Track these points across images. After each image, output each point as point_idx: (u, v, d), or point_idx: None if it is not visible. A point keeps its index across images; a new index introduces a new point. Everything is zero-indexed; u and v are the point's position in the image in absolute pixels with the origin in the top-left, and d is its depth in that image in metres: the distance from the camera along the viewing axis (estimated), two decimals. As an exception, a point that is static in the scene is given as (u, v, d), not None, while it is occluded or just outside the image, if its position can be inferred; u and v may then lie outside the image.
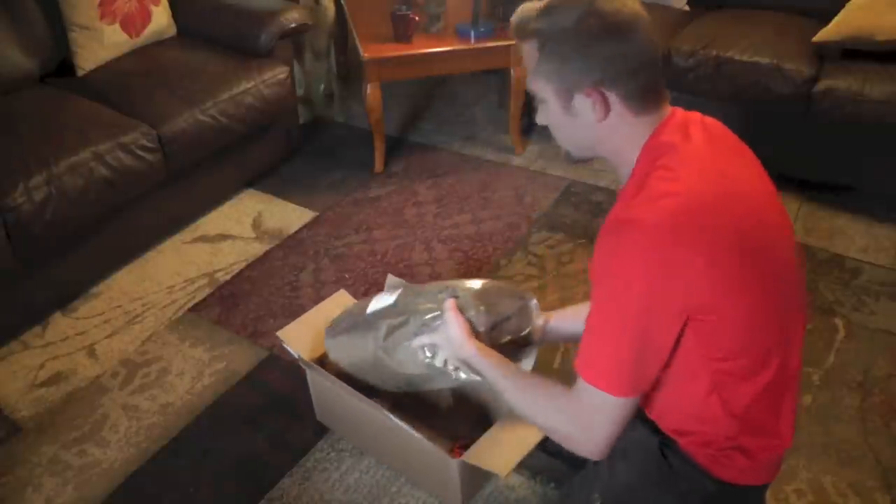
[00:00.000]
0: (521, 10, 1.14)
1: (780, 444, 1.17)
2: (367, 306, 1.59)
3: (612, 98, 1.08)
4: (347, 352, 1.64)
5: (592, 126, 1.11)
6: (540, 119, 1.19)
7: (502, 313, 1.41)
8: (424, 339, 1.42)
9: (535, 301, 1.47)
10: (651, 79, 1.10)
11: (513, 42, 2.82)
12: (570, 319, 1.49)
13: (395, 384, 1.59)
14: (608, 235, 1.05)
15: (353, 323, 1.62)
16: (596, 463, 1.24)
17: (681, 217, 1.00)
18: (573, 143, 1.19)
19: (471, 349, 1.32)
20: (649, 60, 1.09)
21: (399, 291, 1.56)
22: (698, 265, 0.99)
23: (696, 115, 1.16)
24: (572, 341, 1.41)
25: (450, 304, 1.38)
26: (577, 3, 1.08)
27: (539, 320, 1.47)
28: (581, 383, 1.07)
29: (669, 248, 0.99)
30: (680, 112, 1.14)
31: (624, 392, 1.05)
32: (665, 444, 1.19)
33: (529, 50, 1.12)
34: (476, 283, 1.45)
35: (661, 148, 1.08)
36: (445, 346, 1.38)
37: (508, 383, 1.23)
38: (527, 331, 1.44)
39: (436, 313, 1.42)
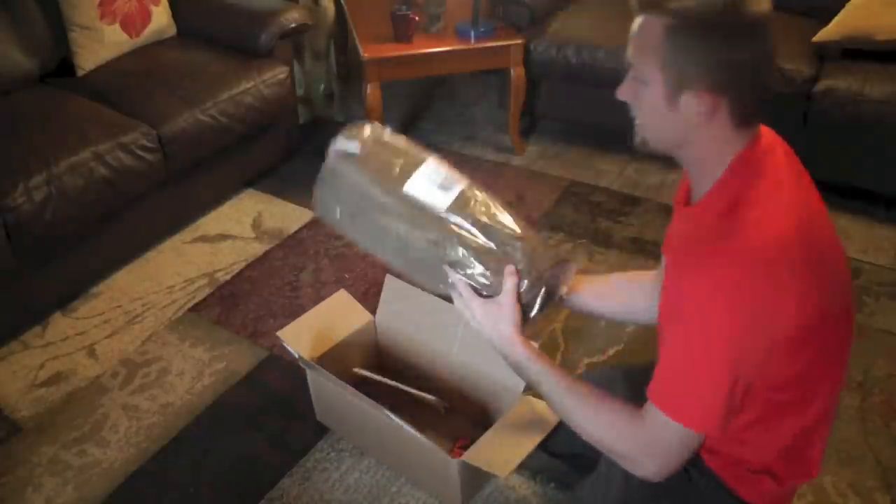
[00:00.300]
0: None
1: (808, 473, 1.16)
2: (400, 178, 1.25)
3: (722, 105, 1.00)
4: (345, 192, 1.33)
5: (688, 126, 1.03)
6: (625, 95, 1.08)
7: (543, 276, 1.22)
8: (462, 290, 1.19)
9: (574, 265, 1.30)
10: (765, 93, 1.02)
11: (513, 42, 2.83)
12: (592, 297, 1.40)
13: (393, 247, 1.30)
14: (702, 268, 0.99)
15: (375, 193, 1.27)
16: (609, 470, 1.22)
17: (780, 253, 0.96)
18: (657, 134, 1.08)
19: (522, 352, 1.17)
20: (770, 72, 1.02)
21: (458, 190, 1.23)
22: (791, 303, 0.97)
23: (775, 135, 1.10)
24: (583, 313, 1.42)
25: (511, 284, 1.16)
26: None
27: (565, 287, 1.29)
28: (658, 415, 1.04)
29: (768, 287, 0.96)
30: (765, 130, 1.08)
31: (712, 430, 1.03)
32: None
33: (652, 25, 1.00)
34: (519, 230, 1.22)
35: (753, 169, 1.03)
36: (485, 325, 1.18)
37: (564, 392, 1.15)
38: (556, 297, 1.27)
39: (482, 270, 1.18)
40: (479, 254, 1.18)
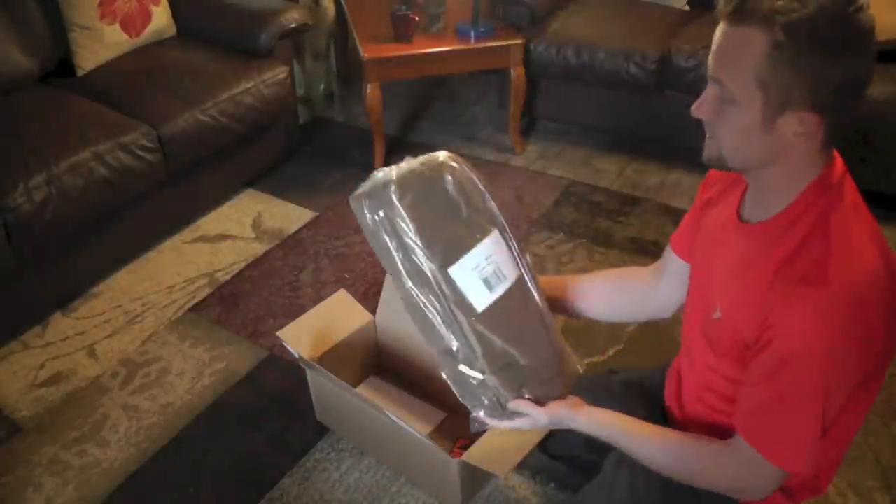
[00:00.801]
0: None
1: (819, 490, 1.16)
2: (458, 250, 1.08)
3: (821, 125, 0.92)
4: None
5: (778, 147, 0.94)
6: (705, 113, 0.98)
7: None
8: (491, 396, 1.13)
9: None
10: (859, 112, 0.94)
11: (513, 42, 2.83)
12: (576, 300, 1.38)
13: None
14: (798, 307, 0.93)
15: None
16: (614, 474, 1.22)
17: (872, 290, 0.93)
18: (741, 154, 0.98)
19: (584, 417, 1.15)
20: (867, 88, 0.93)
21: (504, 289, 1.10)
22: (880, 337, 0.95)
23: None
24: (566, 315, 1.40)
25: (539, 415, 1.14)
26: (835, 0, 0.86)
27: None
28: (749, 451, 1.01)
29: (863, 326, 0.92)
30: (835, 151, 1.02)
31: (801, 469, 1.01)
32: None
33: (752, 39, 0.88)
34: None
35: (834, 194, 0.97)
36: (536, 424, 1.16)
37: (647, 444, 1.11)
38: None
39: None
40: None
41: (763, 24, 0.87)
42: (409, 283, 1.08)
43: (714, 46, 0.94)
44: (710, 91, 0.96)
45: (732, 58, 0.91)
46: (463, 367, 1.11)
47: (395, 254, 1.07)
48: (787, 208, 0.99)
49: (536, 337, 1.16)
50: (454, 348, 1.10)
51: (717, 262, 1.12)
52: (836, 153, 1.00)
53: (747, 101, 0.92)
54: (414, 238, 1.05)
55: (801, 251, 0.95)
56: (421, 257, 1.05)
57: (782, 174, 0.98)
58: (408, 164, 1.10)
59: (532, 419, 1.14)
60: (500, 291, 1.09)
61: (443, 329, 1.09)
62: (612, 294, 1.38)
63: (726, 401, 1.11)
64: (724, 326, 1.07)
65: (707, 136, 1.00)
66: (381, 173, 1.07)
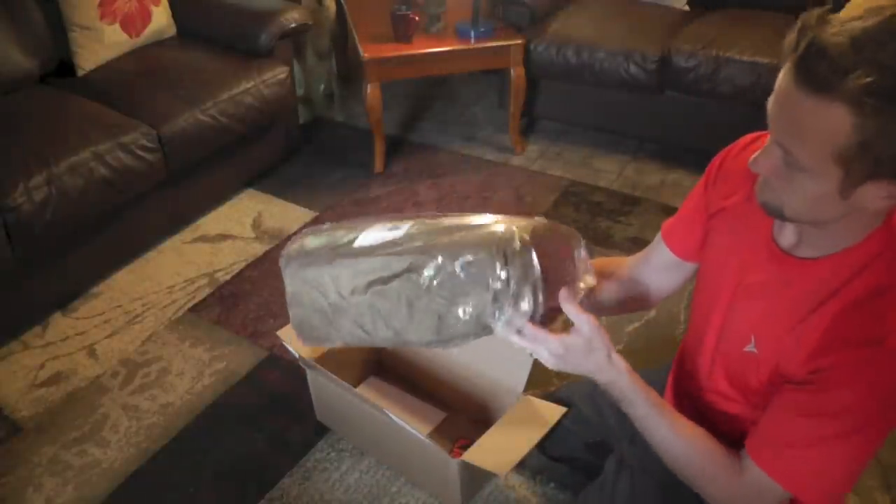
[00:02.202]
0: (834, 43, 0.75)
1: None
2: (352, 236, 1.07)
3: None
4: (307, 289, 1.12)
5: (853, 209, 0.86)
6: (767, 171, 0.88)
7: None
8: (494, 315, 0.94)
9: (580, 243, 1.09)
10: None
11: (513, 42, 2.83)
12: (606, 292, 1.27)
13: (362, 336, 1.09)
14: (857, 366, 0.89)
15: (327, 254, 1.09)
16: (615, 477, 1.21)
17: None
18: (807, 216, 0.90)
19: (620, 368, 1.01)
20: None
21: (409, 225, 1.03)
22: None
23: None
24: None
25: (579, 315, 0.98)
26: None
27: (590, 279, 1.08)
28: (764, 480, 0.98)
29: None
30: None
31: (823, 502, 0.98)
32: None
33: (831, 112, 0.77)
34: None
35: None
36: (566, 353, 0.98)
37: (664, 422, 1.04)
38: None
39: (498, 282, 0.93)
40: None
41: (849, 102, 0.76)
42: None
43: (778, 107, 0.83)
44: (774, 152, 0.86)
45: (806, 130, 0.80)
46: (427, 271, 0.96)
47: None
48: (852, 248, 0.92)
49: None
50: (407, 265, 0.98)
51: (747, 290, 1.05)
52: None
53: (822, 173, 0.82)
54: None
55: (874, 300, 0.89)
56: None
57: (841, 226, 0.91)
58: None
59: (554, 347, 0.97)
60: (409, 223, 1.03)
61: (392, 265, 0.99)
62: (603, 282, 1.28)
63: (728, 408, 1.10)
64: (760, 363, 1.02)
65: (762, 182, 0.92)
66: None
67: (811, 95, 0.78)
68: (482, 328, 0.96)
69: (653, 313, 2.17)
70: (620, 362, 1.01)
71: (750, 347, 1.04)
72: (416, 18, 2.79)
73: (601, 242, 2.52)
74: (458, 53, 2.80)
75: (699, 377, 1.17)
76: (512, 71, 2.87)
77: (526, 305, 0.94)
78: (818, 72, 0.76)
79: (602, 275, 1.28)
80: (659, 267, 1.27)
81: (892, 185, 0.81)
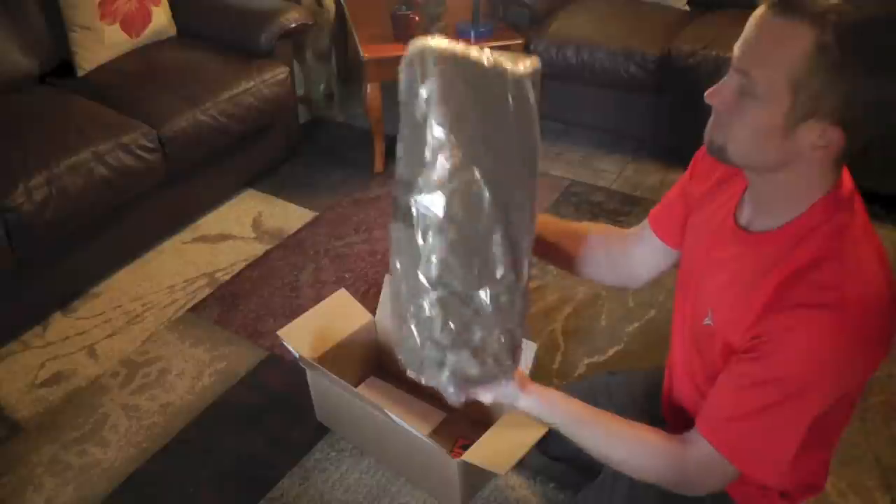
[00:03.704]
0: None
1: (818, 488, 1.15)
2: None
3: (840, 141, 0.87)
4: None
5: (790, 155, 0.89)
6: (721, 103, 0.92)
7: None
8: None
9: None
10: (880, 132, 0.89)
11: (513, 42, 2.83)
12: (558, 242, 1.29)
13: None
14: (800, 326, 0.90)
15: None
16: (614, 478, 1.21)
17: (878, 316, 0.90)
18: (748, 152, 0.93)
19: (531, 397, 1.09)
20: None
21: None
22: (879, 357, 0.93)
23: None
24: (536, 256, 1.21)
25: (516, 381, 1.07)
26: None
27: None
28: (713, 454, 0.99)
29: (863, 349, 0.90)
30: (845, 168, 0.98)
31: (773, 481, 0.99)
32: None
33: (797, 34, 0.82)
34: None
35: (844, 214, 0.93)
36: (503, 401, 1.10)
37: (588, 427, 1.09)
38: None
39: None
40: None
41: (813, 20, 0.81)
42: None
43: (747, 33, 0.88)
44: (732, 80, 0.90)
45: (768, 50, 0.85)
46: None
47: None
48: (794, 221, 0.95)
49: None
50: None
51: (710, 267, 1.08)
52: (845, 169, 0.96)
53: (773, 99, 0.86)
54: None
55: (812, 270, 0.91)
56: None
57: (789, 183, 0.93)
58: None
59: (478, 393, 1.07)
60: None
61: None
62: (597, 247, 1.30)
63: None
64: (714, 334, 1.04)
65: (713, 121, 0.94)
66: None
67: (780, 17, 0.84)
68: None
69: (652, 313, 2.17)
70: (531, 393, 1.08)
71: (707, 320, 1.06)
72: (416, 18, 2.79)
73: (601, 242, 2.51)
74: (458, 53, 2.80)
75: (679, 354, 1.19)
76: (512, 71, 2.87)
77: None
78: None
79: (604, 241, 1.30)
80: (645, 248, 1.29)
81: (829, 129, 0.85)
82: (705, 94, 0.93)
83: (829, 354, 0.89)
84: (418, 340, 0.99)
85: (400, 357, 1.05)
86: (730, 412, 0.98)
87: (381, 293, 1.92)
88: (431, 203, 0.91)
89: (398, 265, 0.99)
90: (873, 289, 0.90)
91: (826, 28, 0.80)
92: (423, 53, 0.89)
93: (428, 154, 0.90)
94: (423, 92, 0.89)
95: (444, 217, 0.91)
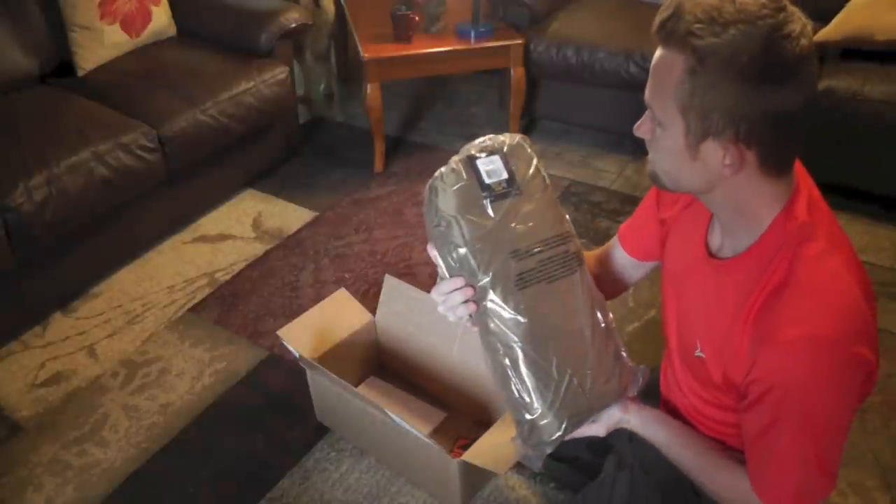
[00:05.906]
0: (682, 7, 0.86)
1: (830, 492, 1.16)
2: None
3: (749, 157, 0.88)
4: None
5: (711, 176, 0.91)
6: (641, 132, 0.96)
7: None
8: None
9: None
10: (801, 139, 0.89)
11: (513, 42, 2.83)
12: None
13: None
14: (795, 354, 0.89)
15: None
16: (614, 477, 1.21)
17: (863, 323, 0.91)
18: (672, 177, 0.96)
19: (634, 416, 1.11)
20: (808, 115, 0.86)
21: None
22: (873, 357, 0.94)
23: (804, 170, 1.00)
24: None
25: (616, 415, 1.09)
26: (759, 26, 0.81)
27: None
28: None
29: (861, 357, 0.91)
30: (799, 167, 0.97)
31: (832, 489, 0.99)
32: None
33: (672, 62, 0.87)
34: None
35: (805, 230, 0.93)
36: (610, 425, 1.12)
37: (675, 453, 1.11)
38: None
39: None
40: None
41: (680, 47, 0.85)
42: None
43: (650, 70, 0.93)
44: (646, 114, 0.95)
45: (657, 82, 0.90)
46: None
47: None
48: (756, 245, 0.95)
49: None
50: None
51: (690, 296, 1.09)
52: (799, 179, 0.95)
53: (671, 125, 0.90)
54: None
55: (781, 299, 0.91)
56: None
57: (735, 202, 0.94)
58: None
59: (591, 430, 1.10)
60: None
61: None
62: None
63: (713, 412, 1.11)
64: (710, 366, 1.04)
65: (648, 154, 0.98)
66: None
67: (661, 48, 0.89)
68: None
69: (652, 313, 2.17)
70: (634, 413, 1.10)
71: (698, 353, 1.07)
72: (417, 18, 2.79)
73: (601, 242, 2.51)
74: (458, 53, 2.80)
75: (677, 375, 1.20)
76: (512, 71, 2.87)
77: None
78: (667, 26, 0.87)
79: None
80: (615, 266, 1.32)
81: (730, 147, 0.87)
82: (633, 127, 0.97)
83: (823, 375, 0.89)
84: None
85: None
86: (757, 458, 0.99)
87: (381, 293, 1.92)
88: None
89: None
90: (846, 304, 0.90)
91: (690, 52, 0.84)
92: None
93: None
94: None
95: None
